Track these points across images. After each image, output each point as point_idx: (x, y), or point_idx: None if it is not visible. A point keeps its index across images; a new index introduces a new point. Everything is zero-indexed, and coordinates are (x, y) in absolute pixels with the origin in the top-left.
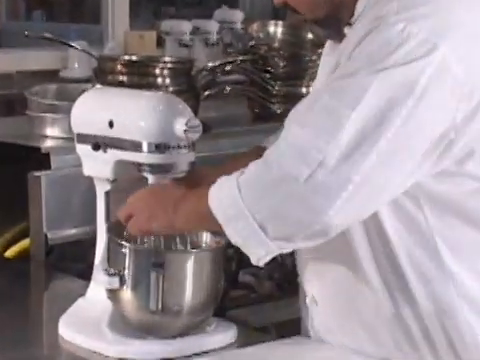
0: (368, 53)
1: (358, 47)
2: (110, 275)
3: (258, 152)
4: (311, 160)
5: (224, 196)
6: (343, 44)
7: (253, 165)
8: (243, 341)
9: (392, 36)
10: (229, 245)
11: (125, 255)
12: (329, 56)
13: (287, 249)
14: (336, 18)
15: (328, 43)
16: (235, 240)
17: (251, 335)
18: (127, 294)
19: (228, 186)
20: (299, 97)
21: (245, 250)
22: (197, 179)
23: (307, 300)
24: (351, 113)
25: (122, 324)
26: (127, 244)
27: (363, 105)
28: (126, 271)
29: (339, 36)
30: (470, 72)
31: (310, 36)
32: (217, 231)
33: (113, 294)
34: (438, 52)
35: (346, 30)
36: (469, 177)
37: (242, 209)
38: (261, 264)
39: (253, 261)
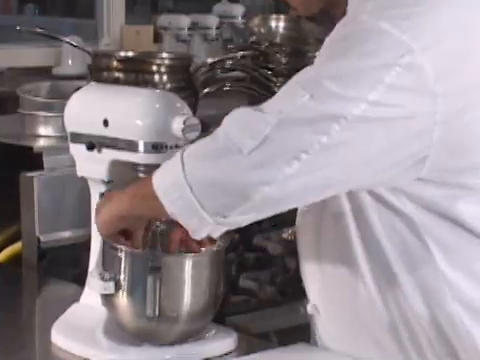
0: (331, 40)
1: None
2: (105, 280)
3: None
4: (257, 133)
5: (166, 170)
6: None
7: (201, 139)
8: (244, 348)
9: (359, 30)
10: (229, 249)
11: (121, 259)
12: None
13: (224, 225)
14: (329, 15)
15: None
16: (171, 211)
17: (252, 342)
18: (123, 299)
19: (172, 161)
20: None
21: (181, 221)
22: None
23: (308, 308)
24: (306, 93)
25: (117, 331)
26: (123, 247)
27: (319, 87)
28: (122, 275)
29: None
30: (448, 76)
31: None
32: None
33: (108, 300)
34: (410, 54)
35: None
36: (456, 186)
37: (181, 180)
38: (198, 237)
39: (191, 234)
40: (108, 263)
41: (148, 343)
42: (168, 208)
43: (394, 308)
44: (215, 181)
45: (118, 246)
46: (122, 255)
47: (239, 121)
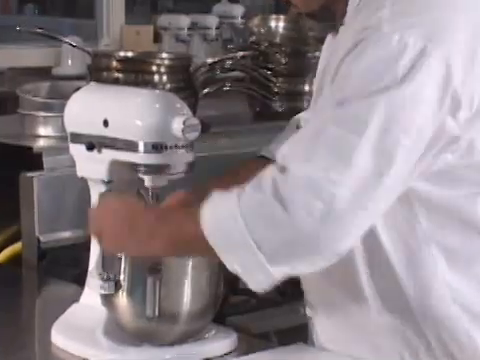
0: (364, 71)
1: (349, 59)
2: (105, 280)
3: (256, 166)
4: (325, 194)
5: (223, 222)
6: (332, 48)
7: (257, 193)
8: (243, 349)
9: (389, 50)
10: None
11: (121, 259)
12: (325, 52)
13: (289, 275)
14: (330, 11)
15: (325, 42)
16: (234, 268)
17: (252, 342)
18: (123, 300)
19: (228, 211)
20: (301, 95)
21: (244, 277)
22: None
23: (307, 309)
24: (359, 140)
25: (117, 331)
26: None
27: (370, 129)
28: (122, 276)
29: (335, 30)
30: (468, 79)
31: (313, 31)
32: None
33: (108, 300)
34: (437, 62)
35: (340, 30)
36: (465, 180)
37: (246, 239)
38: (260, 290)
39: (252, 287)
40: (108, 263)
41: (148, 343)
42: (230, 264)
43: (393, 310)
44: (288, 245)
45: None
46: (122, 255)
47: (302, 182)
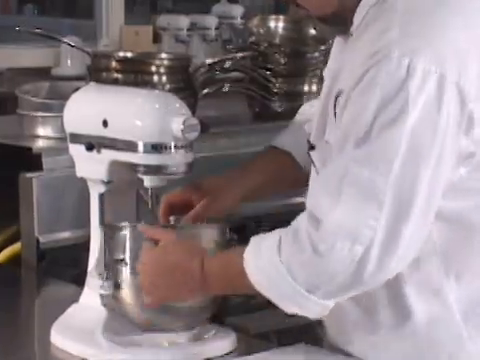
0: (378, 104)
1: (359, 90)
2: (104, 280)
3: (275, 156)
4: (364, 238)
5: (271, 277)
6: (343, 57)
7: (296, 250)
8: (243, 349)
9: (399, 78)
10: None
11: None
12: (337, 54)
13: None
14: (342, 17)
15: (336, 42)
16: (292, 311)
17: (251, 343)
18: (128, 292)
19: (272, 266)
20: (301, 95)
21: (302, 314)
22: (203, 191)
23: None
24: (387, 180)
25: (116, 331)
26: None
27: (393, 166)
28: (127, 258)
29: (345, 34)
30: (478, 95)
31: (312, 32)
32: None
33: (115, 294)
34: (449, 83)
35: (350, 40)
36: (474, 190)
37: (298, 289)
38: (318, 317)
39: (312, 317)
40: (109, 264)
41: (158, 332)
42: (288, 309)
43: (399, 320)
44: (336, 288)
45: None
46: (126, 233)
47: (338, 230)
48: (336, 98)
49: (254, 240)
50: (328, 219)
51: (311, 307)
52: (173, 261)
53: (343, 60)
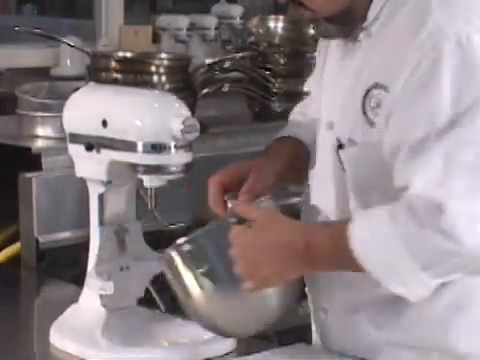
0: (454, 82)
1: (426, 78)
2: (104, 280)
3: (287, 145)
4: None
5: (385, 250)
6: (369, 53)
7: (416, 227)
8: (243, 349)
9: (464, 54)
10: None
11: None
12: (346, 60)
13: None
14: (349, 15)
15: (334, 44)
16: (396, 290)
17: (252, 342)
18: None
19: (388, 239)
20: (300, 95)
21: (405, 295)
22: (245, 171)
23: (314, 310)
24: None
25: (116, 331)
26: None
27: None
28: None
29: (350, 34)
30: None
31: (312, 32)
32: None
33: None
34: None
35: (361, 36)
36: None
37: (410, 265)
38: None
39: (412, 300)
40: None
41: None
42: (394, 289)
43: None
44: (455, 266)
45: None
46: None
47: (462, 217)
48: (366, 94)
49: (362, 214)
50: (452, 204)
51: (416, 287)
52: (273, 237)
53: (367, 56)
